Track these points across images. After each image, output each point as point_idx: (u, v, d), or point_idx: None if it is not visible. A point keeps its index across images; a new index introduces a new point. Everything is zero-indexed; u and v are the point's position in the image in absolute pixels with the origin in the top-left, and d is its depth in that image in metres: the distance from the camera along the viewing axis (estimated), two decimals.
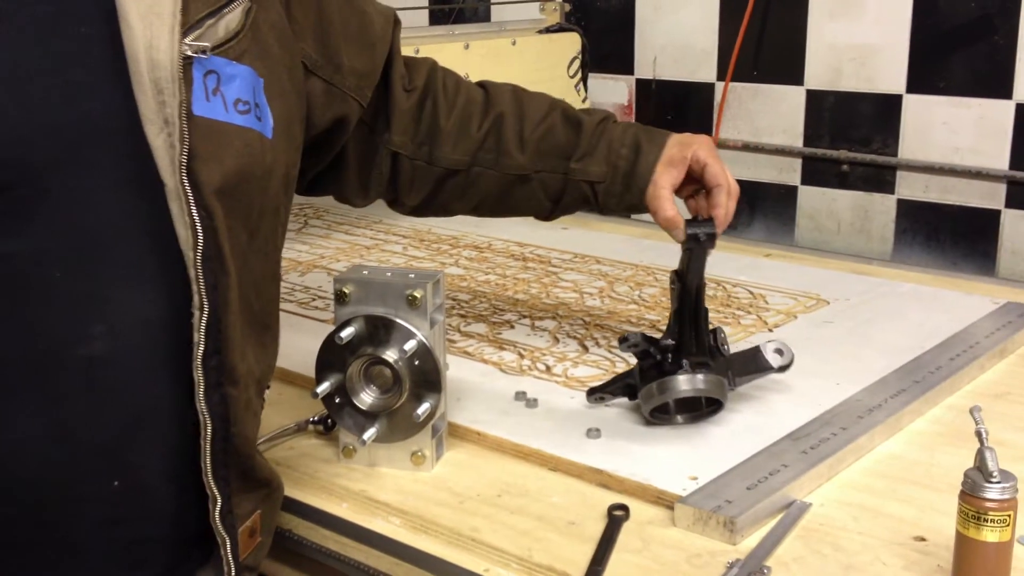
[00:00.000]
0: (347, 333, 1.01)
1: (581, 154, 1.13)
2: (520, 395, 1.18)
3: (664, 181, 1.11)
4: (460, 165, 1.15)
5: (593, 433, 1.09)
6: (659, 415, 1.10)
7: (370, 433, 1.02)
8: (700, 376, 1.08)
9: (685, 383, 1.07)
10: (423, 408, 1.01)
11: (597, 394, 1.14)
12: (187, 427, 0.83)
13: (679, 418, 1.11)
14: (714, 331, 1.13)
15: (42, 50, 0.76)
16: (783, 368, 1.13)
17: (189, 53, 0.79)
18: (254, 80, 0.85)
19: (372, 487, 1.02)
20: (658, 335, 1.12)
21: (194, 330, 0.80)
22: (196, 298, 0.80)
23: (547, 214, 1.20)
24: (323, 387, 1.03)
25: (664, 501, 0.97)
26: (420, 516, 0.97)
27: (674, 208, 1.11)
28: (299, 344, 1.29)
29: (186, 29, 0.79)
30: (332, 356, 1.03)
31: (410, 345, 1.00)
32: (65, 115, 0.76)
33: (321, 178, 1.15)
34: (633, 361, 1.13)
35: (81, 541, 0.81)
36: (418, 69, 1.16)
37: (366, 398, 1.03)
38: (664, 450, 1.06)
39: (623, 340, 1.10)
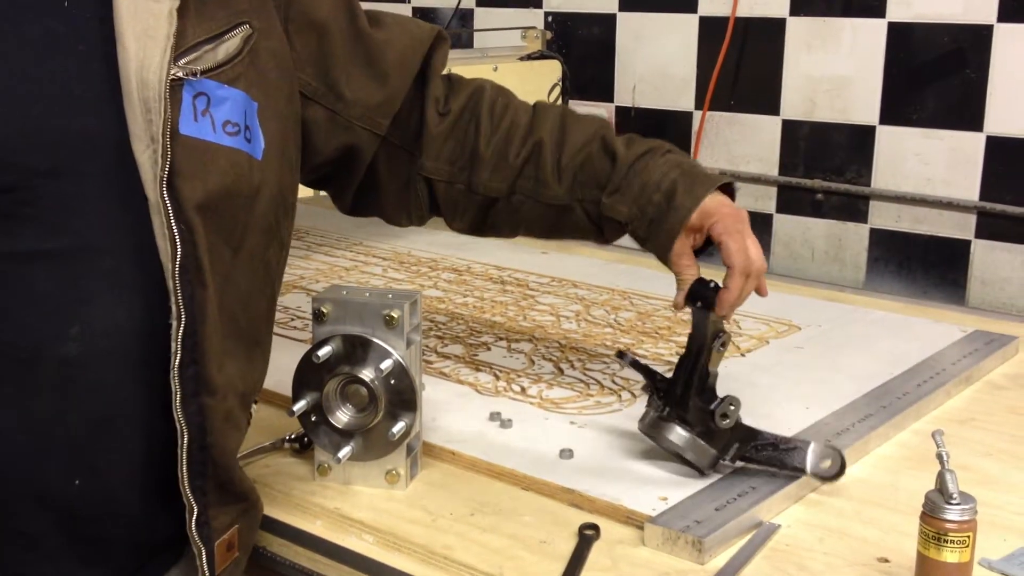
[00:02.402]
0: (324, 352, 1.02)
1: (613, 188, 1.08)
2: (495, 415, 1.20)
3: (681, 248, 1.07)
4: (498, 193, 1.12)
5: (566, 454, 1.10)
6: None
7: (345, 451, 1.03)
8: (686, 435, 1.04)
9: (674, 436, 1.04)
10: (398, 427, 1.02)
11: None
12: (158, 436, 0.85)
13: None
14: (723, 400, 1.05)
15: (45, 65, 0.80)
16: (819, 476, 1.03)
17: (180, 75, 0.82)
18: (247, 104, 0.88)
19: (346, 505, 1.03)
20: (634, 356, 1.12)
21: (173, 339, 0.83)
22: (174, 308, 0.82)
23: (601, 239, 1.15)
24: (299, 405, 1.04)
25: (634, 521, 0.99)
26: (393, 534, 0.98)
27: (693, 267, 1.08)
28: (276, 363, 1.30)
29: (180, 52, 0.83)
30: (309, 375, 1.04)
31: (386, 364, 1.02)
32: (63, 127, 0.80)
33: (360, 201, 1.15)
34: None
35: (39, 533, 0.84)
36: (460, 91, 1.13)
37: (342, 416, 1.05)
38: (635, 471, 1.07)
39: (621, 355, 1.10)
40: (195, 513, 0.86)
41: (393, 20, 1.11)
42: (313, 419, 1.05)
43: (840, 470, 1.02)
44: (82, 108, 0.80)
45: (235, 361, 0.90)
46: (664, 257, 1.09)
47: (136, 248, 0.82)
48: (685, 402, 1.05)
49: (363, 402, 1.04)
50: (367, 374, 1.02)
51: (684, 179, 1.07)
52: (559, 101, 2.09)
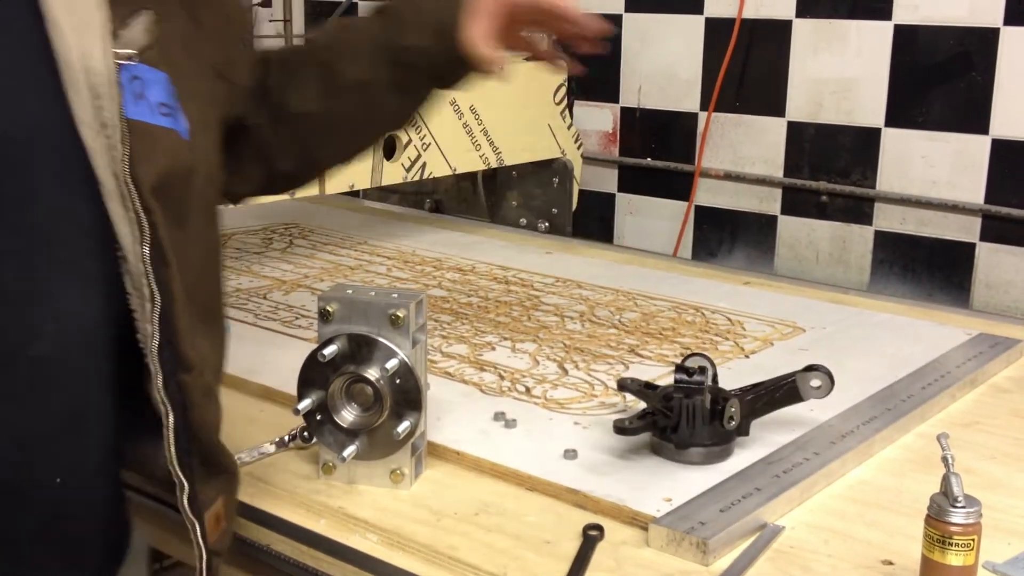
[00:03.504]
0: (330, 351, 1.02)
1: (400, 30, 1.08)
2: (499, 415, 1.20)
3: (476, 29, 1.05)
4: (311, 107, 1.10)
5: (570, 454, 1.10)
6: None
7: (350, 450, 1.04)
8: (703, 450, 1.09)
9: (695, 457, 1.09)
10: (403, 426, 1.03)
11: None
12: (129, 425, 0.86)
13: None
14: (723, 408, 1.09)
15: None
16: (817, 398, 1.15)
17: (120, 61, 0.82)
18: (168, 85, 0.89)
19: (350, 504, 1.03)
20: (636, 359, 1.13)
21: (146, 322, 0.83)
22: (146, 291, 0.83)
23: (409, 109, 1.14)
24: (304, 403, 1.04)
25: (638, 522, 0.99)
26: (397, 533, 0.98)
27: (491, 47, 1.05)
28: (282, 362, 1.31)
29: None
30: (314, 373, 1.04)
31: (392, 364, 1.02)
32: (6, 120, 0.79)
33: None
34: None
35: (23, 537, 0.84)
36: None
37: (347, 415, 1.05)
38: (639, 472, 1.07)
39: (622, 386, 1.14)
40: (186, 489, 0.87)
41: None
42: (318, 418, 1.05)
43: (831, 385, 1.14)
44: (21, 99, 0.80)
45: (203, 337, 0.91)
46: (464, 41, 1.05)
47: (93, 236, 0.82)
48: (693, 436, 1.09)
49: (368, 401, 1.04)
50: (372, 373, 1.02)
51: None
52: (565, 102, 2.09)
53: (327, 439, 1.06)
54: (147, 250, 0.82)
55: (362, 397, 1.04)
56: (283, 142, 1.13)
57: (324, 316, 1.04)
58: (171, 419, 0.85)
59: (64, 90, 0.80)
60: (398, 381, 1.03)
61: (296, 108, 1.11)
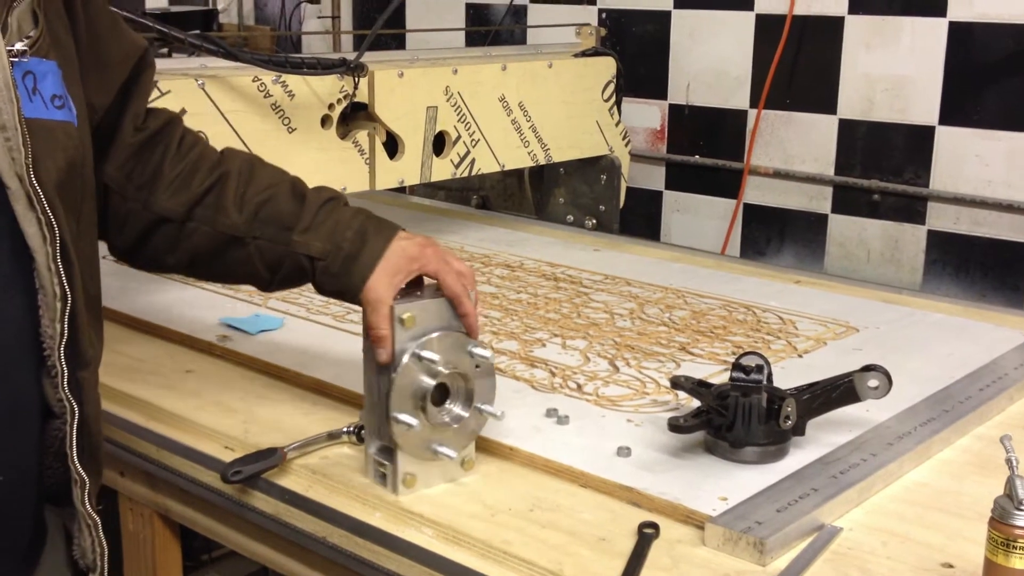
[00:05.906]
0: (427, 354, 1.01)
1: (304, 227, 1.08)
2: (551, 412, 1.20)
3: (385, 291, 1.04)
4: (174, 215, 1.08)
5: (624, 452, 1.10)
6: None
7: (445, 450, 1.04)
8: (758, 450, 1.09)
9: (748, 456, 1.09)
10: (488, 412, 1.05)
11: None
12: (44, 417, 0.88)
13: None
14: (779, 408, 1.09)
15: None
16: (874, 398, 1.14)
17: (13, 59, 0.83)
18: (58, 71, 0.89)
19: (405, 498, 1.04)
20: (687, 356, 1.13)
21: (55, 321, 0.85)
22: (58, 290, 0.85)
23: (265, 285, 1.13)
24: (404, 418, 1.01)
25: (693, 520, 0.98)
26: (452, 527, 0.98)
27: (387, 327, 1.02)
28: (334, 356, 1.31)
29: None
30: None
31: (485, 354, 1.04)
32: None
33: None
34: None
35: None
36: (158, 116, 1.11)
37: (444, 416, 1.04)
38: (694, 470, 1.07)
39: (676, 384, 1.14)
40: (87, 486, 0.89)
41: (110, 9, 1.06)
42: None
43: (889, 386, 1.13)
44: None
45: (95, 331, 0.94)
46: (357, 294, 1.06)
47: (6, 238, 0.83)
48: (749, 435, 1.09)
49: (452, 398, 1.05)
50: (467, 368, 1.04)
51: (372, 222, 1.09)
52: (613, 98, 2.09)
53: (415, 451, 1.04)
54: (57, 249, 0.84)
55: (445, 395, 1.05)
56: (128, 216, 1.09)
57: (403, 323, 1.01)
58: (77, 417, 0.87)
59: None
60: (483, 375, 1.05)
61: (157, 204, 1.08)
